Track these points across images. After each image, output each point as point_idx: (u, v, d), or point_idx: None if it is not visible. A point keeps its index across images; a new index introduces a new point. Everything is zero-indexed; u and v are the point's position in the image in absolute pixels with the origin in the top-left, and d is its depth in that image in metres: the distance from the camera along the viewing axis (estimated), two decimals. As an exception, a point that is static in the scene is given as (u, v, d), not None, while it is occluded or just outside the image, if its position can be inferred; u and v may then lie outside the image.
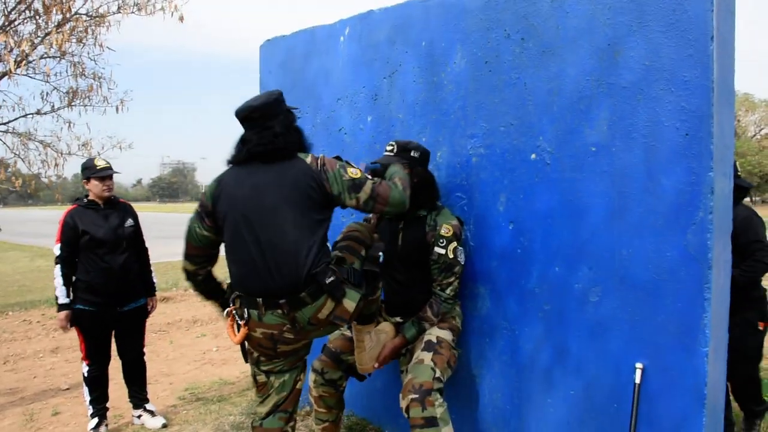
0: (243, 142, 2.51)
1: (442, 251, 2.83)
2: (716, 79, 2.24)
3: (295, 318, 2.37)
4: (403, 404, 2.63)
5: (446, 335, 2.84)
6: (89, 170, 3.79)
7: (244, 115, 2.49)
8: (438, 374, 2.65)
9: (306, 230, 2.37)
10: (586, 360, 2.60)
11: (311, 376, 3.05)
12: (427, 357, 2.71)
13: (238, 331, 2.48)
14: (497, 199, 2.90)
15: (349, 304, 2.40)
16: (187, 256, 2.62)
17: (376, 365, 2.81)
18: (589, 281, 2.58)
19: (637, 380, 2.40)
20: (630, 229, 2.44)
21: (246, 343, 2.54)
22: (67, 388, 4.97)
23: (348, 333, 2.99)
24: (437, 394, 2.60)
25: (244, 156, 2.48)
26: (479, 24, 2.91)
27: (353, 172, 2.48)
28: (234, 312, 2.49)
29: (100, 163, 3.81)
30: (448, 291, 2.85)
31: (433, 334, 2.83)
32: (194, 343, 6.55)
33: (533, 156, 2.75)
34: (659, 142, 2.35)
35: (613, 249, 2.49)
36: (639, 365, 2.41)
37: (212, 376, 5.19)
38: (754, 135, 46.31)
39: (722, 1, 2.29)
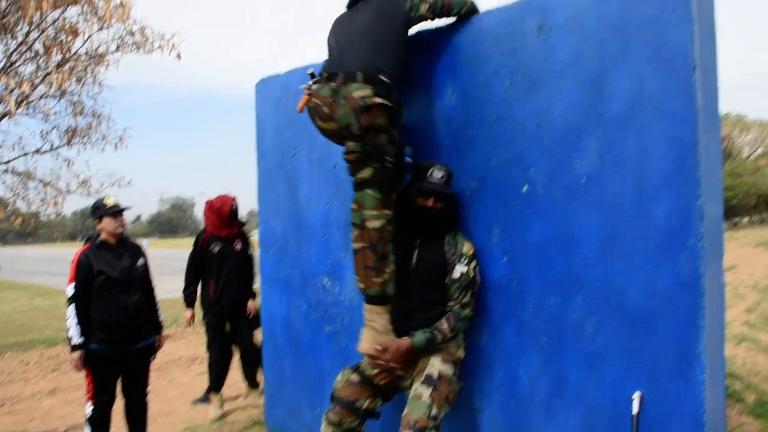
0: None
1: (465, 269, 2.86)
2: (701, 107, 2.29)
3: (339, 92, 2.76)
4: None
5: (448, 370, 2.81)
6: (100, 209, 3.84)
7: None
8: (434, 412, 2.64)
9: (383, 43, 2.89)
10: (585, 390, 2.59)
11: (328, 430, 2.92)
12: (425, 393, 2.70)
13: None
14: (492, 232, 2.92)
15: (378, 99, 2.74)
16: None
17: (378, 348, 2.80)
18: (584, 311, 2.58)
19: (635, 410, 2.38)
20: (622, 258, 2.46)
21: None
22: (65, 431, 4.92)
23: (354, 378, 2.95)
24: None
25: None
26: (468, 60, 2.97)
27: None
28: (308, 88, 2.95)
29: (109, 202, 3.87)
30: (467, 311, 2.87)
31: (436, 366, 2.80)
32: (194, 381, 6.48)
33: (525, 188, 2.78)
34: (648, 171, 2.39)
35: (606, 278, 2.51)
36: (636, 394, 2.40)
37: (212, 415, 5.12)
38: (749, 155, 46.53)
39: (703, 28, 2.35)
